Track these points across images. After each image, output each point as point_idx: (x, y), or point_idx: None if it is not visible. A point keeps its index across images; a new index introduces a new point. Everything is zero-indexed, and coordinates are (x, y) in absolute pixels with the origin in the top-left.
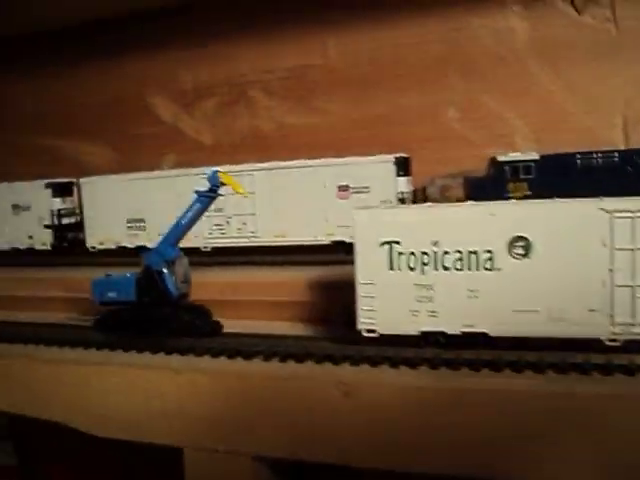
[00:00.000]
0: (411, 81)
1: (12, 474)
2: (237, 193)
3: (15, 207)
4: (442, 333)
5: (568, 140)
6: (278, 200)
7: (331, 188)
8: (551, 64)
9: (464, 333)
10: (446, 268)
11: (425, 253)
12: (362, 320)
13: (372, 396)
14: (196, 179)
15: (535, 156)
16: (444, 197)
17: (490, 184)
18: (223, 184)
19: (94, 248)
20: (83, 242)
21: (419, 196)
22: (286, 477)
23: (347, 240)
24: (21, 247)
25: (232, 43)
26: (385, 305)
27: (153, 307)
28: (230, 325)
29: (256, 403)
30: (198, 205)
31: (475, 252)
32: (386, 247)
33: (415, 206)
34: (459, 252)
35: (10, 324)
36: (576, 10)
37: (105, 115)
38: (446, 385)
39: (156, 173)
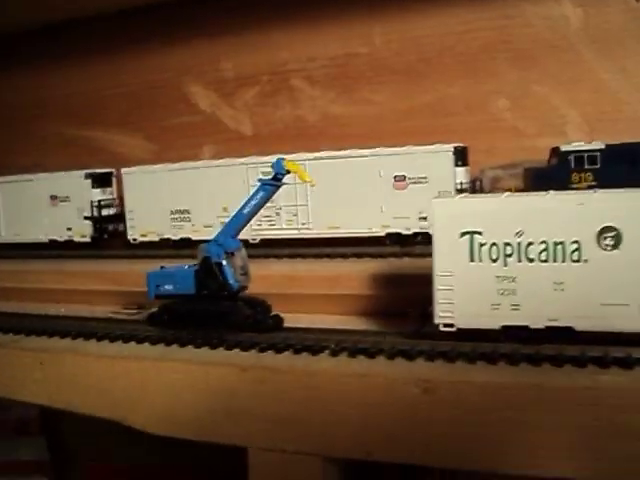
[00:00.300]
0: (460, 70)
1: (45, 469)
2: (304, 182)
3: (53, 198)
4: (525, 327)
5: (622, 130)
6: (331, 190)
7: (387, 178)
8: (605, 52)
9: (548, 327)
10: (530, 260)
11: (508, 244)
12: (440, 314)
13: (453, 393)
14: (243, 169)
15: (600, 145)
16: (495, 189)
17: (553, 174)
18: (288, 172)
19: (135, 240)
20: (123, 234)
21: (477, 187)
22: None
23: (403, 232)
24: (59, 239)
25: (274, 31)
26: (464, 298)
27: (212, 300)
28: (287, 319)
29: (329, 401)
30: (261, 194)
31: (561, 243)
32: (466, 238)
33: (498, 195)
34: (544, 243)
35: (55, 318)
36: None
37: (140, 105)
38: (530, 381)
39: (202, 163)
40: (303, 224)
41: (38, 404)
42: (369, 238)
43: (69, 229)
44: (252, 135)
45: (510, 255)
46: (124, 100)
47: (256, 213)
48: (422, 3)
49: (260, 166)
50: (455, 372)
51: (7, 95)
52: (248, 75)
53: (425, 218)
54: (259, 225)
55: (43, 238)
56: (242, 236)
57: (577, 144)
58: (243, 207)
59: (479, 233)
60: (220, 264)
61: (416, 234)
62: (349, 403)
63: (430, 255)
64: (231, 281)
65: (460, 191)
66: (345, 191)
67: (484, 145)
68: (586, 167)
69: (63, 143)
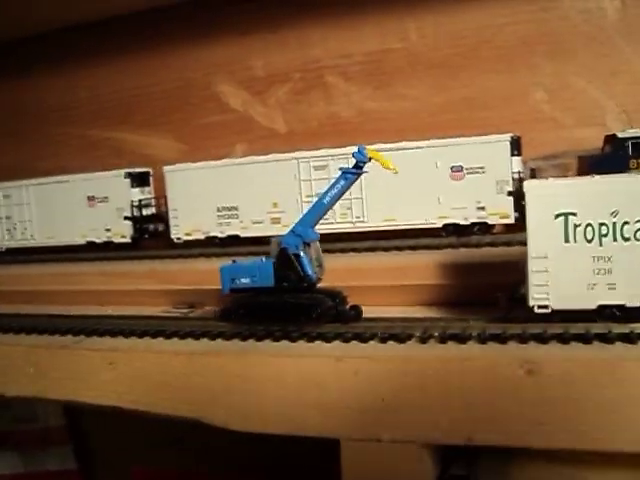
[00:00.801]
0: (497, 63)
1: (73, 478)
2: (387, 169)
3: (90, 199)
4: (621, 306)
5: None
6: (387, 182)
7: (444, 169)
8: None
9: None
10: (626, 239)
11: (603, 224)
12: (534, 296)
13: (559, 372)
14: (294, 163)
15: None
16: None
17: (610, 161)
18: (370, 160)
19: (179, 239)
20: (163, 234)
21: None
22: (453, 464)
23: (461, 222)
24: (97, 241)
25: (306, 28)
26: (560, 279)
27: (290, 293)
28: None
29: (428, 387)
30: (342, 182)
31: None
32: (561, 219)
33: (592, 177)
34: None
35: (112, 317)
36: None
37: (169, 105)
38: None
39: (250, 158)
40: (357, 217)
41: (105, 405)
42: (423, 230)
43: (108, 230)
44: (285, 133)
45: (605, 235)
46: (152, 101)
47: (335, 202)
48: None
49: (312, 160)
50: (553, 352)
51: (30, 98)
52: (280, 72)
53: (483, 208)
54: None
55: (80, 240)
56: None
57: (633, 131)
58: (323, 197)
59: (574, 214)
60: (298, 255)
61: (474, 224)
62: (450, 388)
63: (488, 245)
64: (310, 272)
65: (518, 181)
66: (402, 183)
67: (523, 137)
68: None
69: (89, 146)
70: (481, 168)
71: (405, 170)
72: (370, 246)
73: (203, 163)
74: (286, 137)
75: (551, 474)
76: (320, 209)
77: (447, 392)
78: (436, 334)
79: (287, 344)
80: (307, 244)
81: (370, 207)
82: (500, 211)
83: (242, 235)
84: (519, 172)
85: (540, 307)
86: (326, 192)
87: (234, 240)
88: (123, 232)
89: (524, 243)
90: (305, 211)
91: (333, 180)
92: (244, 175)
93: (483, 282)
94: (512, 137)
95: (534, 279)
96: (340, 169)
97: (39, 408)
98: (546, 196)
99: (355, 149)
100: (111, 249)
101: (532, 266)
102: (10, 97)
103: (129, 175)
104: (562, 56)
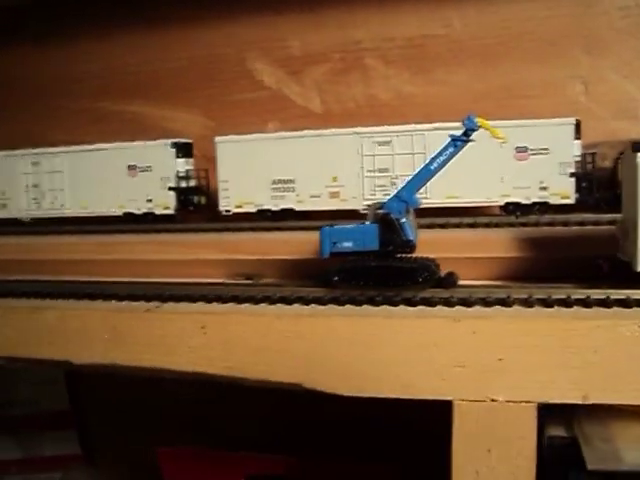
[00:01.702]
0: (536, 54)
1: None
2: (497, 139)
3: (131, 168)
4: None
5: None
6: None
7: (508, 149)
8: None
9: None
10: None
11: None
12: None
13: None
14: (357, 138)
15: None
16: None
17: None
18: (479, 128)
19: (229, 211)
20: (205, 207)
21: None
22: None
23: (523, 201)
24: (137, 212)
25: (346, 9)
26: None
27: (393, 258)
28: None
29: (547, 346)
30: (451, 150)
31: None
32: None
33: None
34: None
35: (188, 284)
36: None
37: (196, 79)
38: None
39: (309, 132)
40: (421, 193)
41: (194, 372)
42: (480, 208)
43: (149, 201)
44: (322, 113)
45: None
46: (177, 75)
47: (441, 169)
48: None
49: (376, 136)
50: None
51: (44, 67)
52: (317, 53)
53: (545, 188)
54: (372, 195)
55: (117, 211)
56: (353, 206)
57: None
58: (430, 163)
59: None
60: (401, 220)
61: (534, 204)
62: (570, 346)
63: (548, 224)
64: (412, 238)
65: (579, 163)
66: (464, 161)
67: None
68: None
69: (99, 119)
70: (545, 149)
71: (469, 149)
72: (429, 223)
73: (257, 135)
74: (322, 117)
75: None
76: (426, 175)
77: (567, 351)
78: (541, 298)
79: (388, 309)
80: (408, 210)
81: (433, 183)
82: (562, 192)
83: (297, 209)
84: (580, 155)
85: None
86: (434, 158)
87: (285, 214)
88: (167, 203)
89: (582, 224)
90: (410, 177)
91: (441, 147)
92: (302, 148)
93: (563, 256)
94: (576, 121)
95: None
96: (450, 136)
97: (41, 392)
98: None
99: (466, 117)
100: (149, 221)
101: None
102: (12, 66)
103: (175, 145)
104: (599, 51)
